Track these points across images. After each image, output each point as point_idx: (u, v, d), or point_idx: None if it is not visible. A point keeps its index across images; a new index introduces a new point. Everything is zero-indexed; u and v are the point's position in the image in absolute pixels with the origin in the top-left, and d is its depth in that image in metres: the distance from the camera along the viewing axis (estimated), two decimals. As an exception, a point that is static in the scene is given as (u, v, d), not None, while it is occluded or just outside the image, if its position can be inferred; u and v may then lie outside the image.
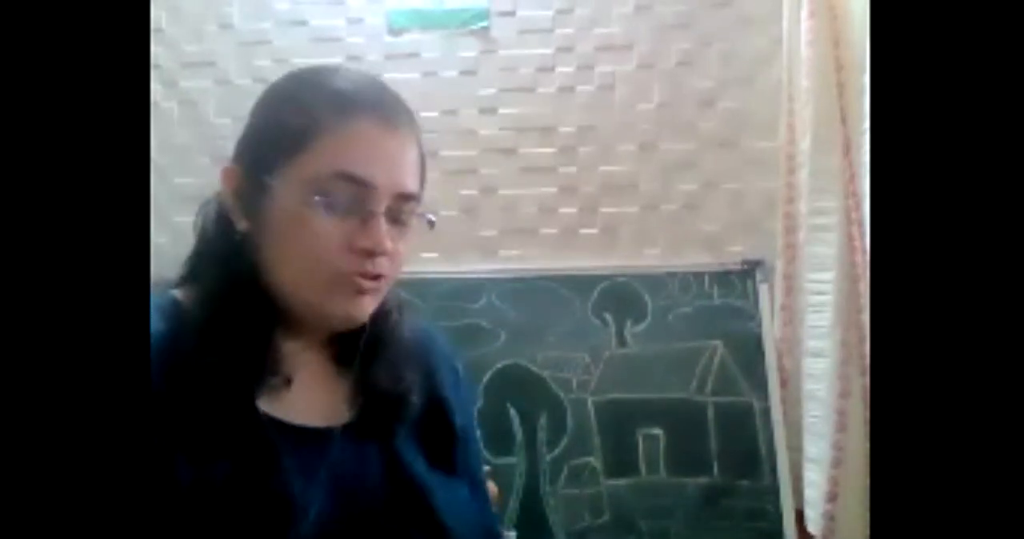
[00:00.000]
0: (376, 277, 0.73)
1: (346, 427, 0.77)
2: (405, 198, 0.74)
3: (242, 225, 0.74)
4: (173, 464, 0.66)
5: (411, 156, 0.75)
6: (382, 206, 0.72)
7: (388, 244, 0.72)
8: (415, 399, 0.80)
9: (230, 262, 0.74)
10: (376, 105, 0.74)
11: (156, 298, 0.74)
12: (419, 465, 0.79)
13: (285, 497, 0.70)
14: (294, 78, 0.78)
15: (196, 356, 0.70)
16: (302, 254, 0.72)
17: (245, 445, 0.70)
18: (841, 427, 1.71)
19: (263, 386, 0.72)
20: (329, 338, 0.80)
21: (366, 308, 0.75)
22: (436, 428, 0.83)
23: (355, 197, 0.71)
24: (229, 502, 0.67)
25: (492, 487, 1.57)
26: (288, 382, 0.74)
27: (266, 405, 0.73)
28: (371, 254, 0.72)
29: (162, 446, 0.66)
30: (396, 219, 0.74)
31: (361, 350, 0.79)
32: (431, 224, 0.78)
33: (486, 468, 1.47)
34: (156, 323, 0.71)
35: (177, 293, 0.76)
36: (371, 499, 0.75)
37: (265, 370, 0.72)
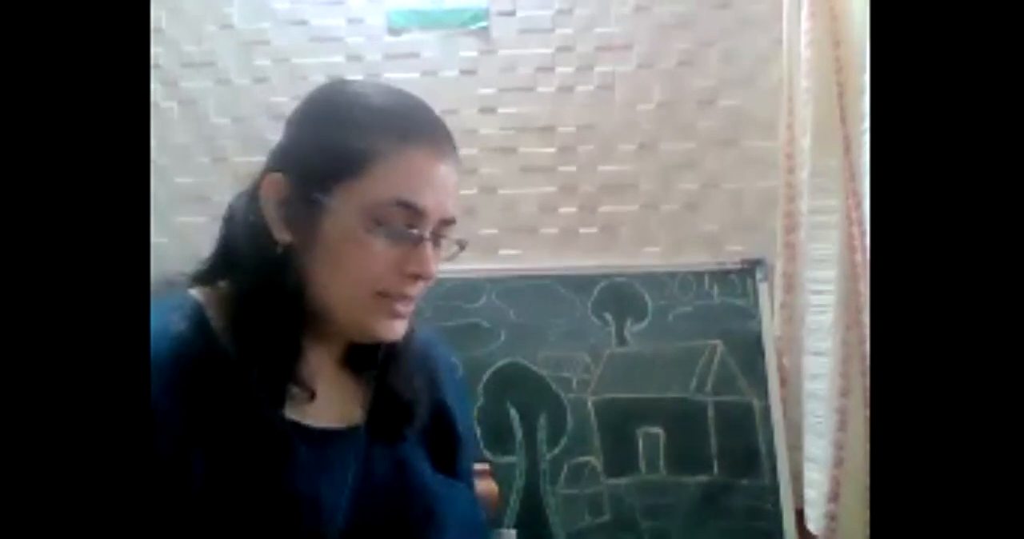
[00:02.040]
0: (409, 299, 0.76)
1: (357, 430, 0.78)
2: (447, 222, 0.76)
3: (283, 237, 0.74)
4: (190, 466, 0.66)
5: (454, 181, 0.77)
6: (428, 231, 0.74)
7: (434, 269, 0.74)
8: (424, 407, 0.82)
9: (271, 274, 0.73)
10: (430, 132, 0.76)
11: (176, 298, 0.74)
12: (425, 469, 0.81)
13: (312, 498, 0.71)
14: (338, 92, 0.78)
15: (230, 362, 0.71)
16: (355, 274, 0.73)
17: (269, 448, 0.70)
18: (842, 426, 1.71)
19: (289, 395, 0.73)
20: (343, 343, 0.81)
21: (400, 330, 0.77)
22: (440, 434, 0.85)
23: (407, 222, 0.73)
24: (255, 505, 0.68)
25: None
26: (312, 396, 0.74)
27: (286, 409, 0.74)
28: (419, 278, 0.74)
29: (180, 447, 0.66)
30: (436, 242, 0.76)
31: (380, 358, 0.81)
32: (462, 247, 0.80)
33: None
34: (177, 323, 0.71)
35: (197, 295, 0.76)
36: (379, 501, 0.76)
37: (293, 380, 0.73)
